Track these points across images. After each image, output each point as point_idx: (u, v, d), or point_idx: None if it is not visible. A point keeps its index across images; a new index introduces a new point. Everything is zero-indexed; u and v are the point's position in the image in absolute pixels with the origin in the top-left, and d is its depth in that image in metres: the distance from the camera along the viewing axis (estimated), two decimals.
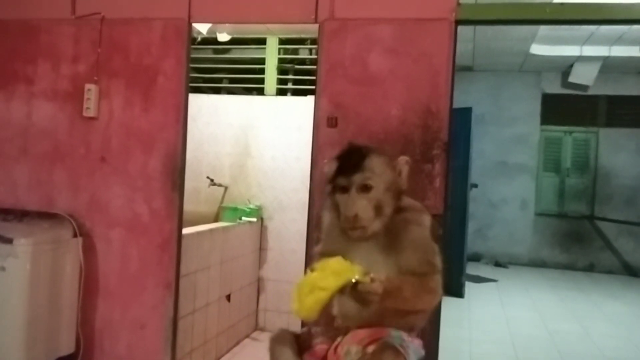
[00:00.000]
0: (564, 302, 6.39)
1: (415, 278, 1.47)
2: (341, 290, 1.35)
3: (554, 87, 8.59)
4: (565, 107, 8.62)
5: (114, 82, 2.96)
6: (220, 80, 5.20)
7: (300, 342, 1.54)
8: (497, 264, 8.50)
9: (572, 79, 8.08)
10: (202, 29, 4.35)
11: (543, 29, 6.46)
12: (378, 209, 1.46)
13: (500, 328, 5.12)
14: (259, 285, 4.78)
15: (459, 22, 2.61)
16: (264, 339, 4.47)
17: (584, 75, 7.94)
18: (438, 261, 1.53)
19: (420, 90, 2.61)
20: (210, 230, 4.00)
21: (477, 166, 7.98)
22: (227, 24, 4.45)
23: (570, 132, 8.69)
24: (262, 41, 4.92)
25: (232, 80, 5.14)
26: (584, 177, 8.66)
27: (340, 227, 1.53)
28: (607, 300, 6.62)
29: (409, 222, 1.51)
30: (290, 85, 4.94)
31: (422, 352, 1.59)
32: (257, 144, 4.82)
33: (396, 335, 1.48)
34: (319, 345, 1.49)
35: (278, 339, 1.52)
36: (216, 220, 4.60)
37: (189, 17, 2.87)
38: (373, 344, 1.44)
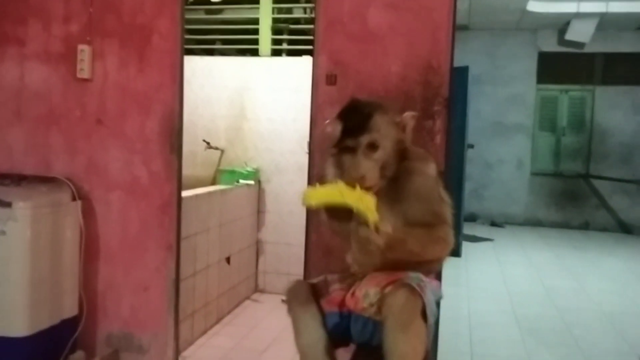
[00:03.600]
0: (559, 260, 6.47)
1: (421, 229, 1.45)
2: (348, 215, 1.37)
3: (550, 45, 8.51)
4: (562, 66, 8.56)
5: (107, 43, 2.89)
6: (213, 42, 5.11)
7: (317, 290, 1.53)
8: (494, 224, 8.57)
9: (568, 36, 8.00)
10: None
11: None
12: (383, 169, 1.44)
13: (498, 285, 5.19)
14: (257, 248, 4.80)
15: None
16: (264, 300, 4.55)
17: (580, 33, 7.86)
18: (445, 210, 1.50)
19: (420, 46, 2.56)
20: (209, 193, 3.99)
21: (474, 127, 7.94)
22: None
23: (566, 91, 8.65)
24: (255, 0, 4.82)
25: (225, 42, 5.05)
26: (579, 136, 8.66)
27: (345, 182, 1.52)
28: (602, 257, 6.71)
29: (412, 172, 1.48)
30: (285, 46, 4.86)
31: (441, 294, 1.58)
32: (253, 106, 4.77)
33: (414, 276, 1.47)
34: (336, 291, 1.48)
35: (294, 291, 1.51)
36: (213, 183, 4.58)
37: None
38: (391, 285, 1.44)
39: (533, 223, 8.71)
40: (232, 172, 4.52)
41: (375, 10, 2.57)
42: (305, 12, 4.83)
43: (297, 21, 4.84)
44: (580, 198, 8.64)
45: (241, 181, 4.51)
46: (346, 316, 1.47)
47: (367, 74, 2.59)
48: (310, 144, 2.73)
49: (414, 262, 1.48)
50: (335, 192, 1.35)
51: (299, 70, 4.63)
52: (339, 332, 1.47)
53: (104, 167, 2.93)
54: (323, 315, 1.49)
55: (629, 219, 8.44)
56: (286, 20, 4.83)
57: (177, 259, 2.93)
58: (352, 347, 1.48)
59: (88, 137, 2.94)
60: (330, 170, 1.59)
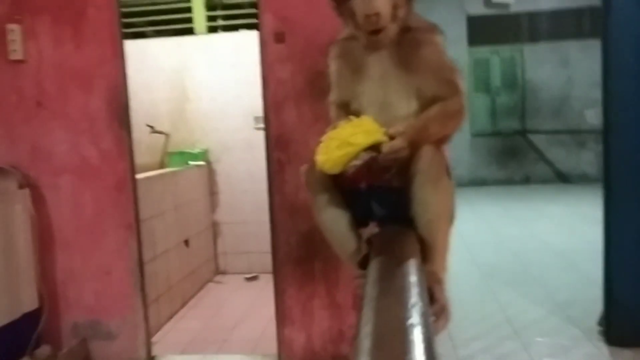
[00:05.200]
0: (507, 212, 6.71)
1: (437, 107, 1.42)
2: (368, 149, 1.32)
3: (478, 9, 8.74)
4: (490, 28, 8.81)
5: (39, 20, 2.74)
6: (144, 24, 4.94)
7: None
8: None
9: None
10: None
11: None
12: (395, 10, 1.39)
13: (455, 239, 5.31)
14: (214, 230, 4.73)
15: None
16: (227, 280, 4.50)
17: None
18: (458, 77, 1.47)
19: None
20: (161, 175, 3.90)
21: None
22: None
23: (497, 52, 8.91)
24: None
25: (158, 23, 4.90)
26: (513, 94, 8.96)
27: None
28: (546, 206, 7.00)
29: (421, 42, 1.42)
30: (220, 22, 4.76)
31: (451, 166, 1.54)
32: (194, 86, 4.67)
33: None
34: (352, 167, 1.42)
35: (311, 170, 1.42)
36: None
37: None
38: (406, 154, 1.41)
39: (478, 183, 8.97)
40: (182, 153, 4.42)
41: None
42: None
43: None
44: (519, 154, 8.97)
45: (191, 162, 4.42)
46: (366, 192, 1.43)
47: (315, 28, 2.57)
48: (264, 105, 2.69)
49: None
50: (342, 148, 1.29)
51: (237, 45, 4.56)
52: (360, 210, 1.45)
53: (50, 152, 2.80)
54: (342, 193, 1.44)
55: (565, 168, 8.83)
56: None
57: (138, 238, 2.84)
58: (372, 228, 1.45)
59: (28, 121, 2.79)
60: (332, 63, 1.53)
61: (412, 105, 1.41)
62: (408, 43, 1.41)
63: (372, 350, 0.59)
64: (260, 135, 2.88)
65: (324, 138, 1.33)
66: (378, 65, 1.42)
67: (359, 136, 1.29)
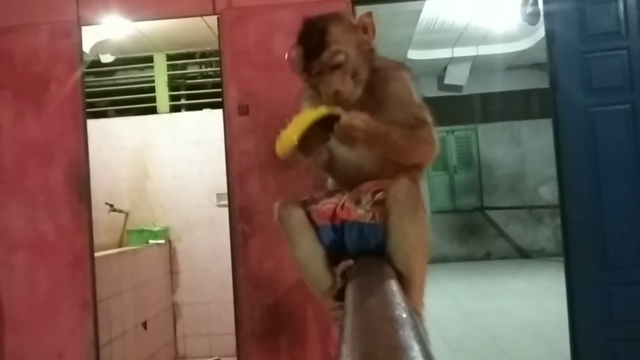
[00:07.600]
0: (471, 287, 6.71)
1: (405, 128, 1.42)
2: (322, 127, 1.31)
3: (432, 91, 9.10)
4: (445, 109, 9.15)
5: (0, 95, 2.72)
6: (107, 104, 4.97)
7: (307, 206, 1.44)
8: None
9: (447, 80, 8.62)
10: (85, 48, 4.16)
11: (417, 33, 6.85)
12: (355, 76, 1.42)
13: None
14: (174, 311, 4.55)
15: (355, 2, 2.70)
16: None
17: (457, 76, 8.50)
18: (426, 114, 1.48)
19: None
20: (119, 253, 3.78)
21: None
22: (109, 47, 4.30)
23: (452, 131, 9.23)
24: (149, 59, 4.78)
25: (121, 102, 4.93)
26: (470, 172, 9.21)
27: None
28: (508, 280, 7.04)
29: (388, 79, 1.44)
30: (183, 101, 4.83)
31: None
32: (156, 164, 4.64)
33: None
34: (326, 205, 1.41)
35: (285, 207, 1.40)
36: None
37: (78, 19, 2.72)
38: (380, 192, 1.39)
39: (440, 260, 8.99)
40: (141, 231, 4.32)
41: (279, 39, 2.64)
42: (200, 67, 4.85)
43: (193, 76, 4.84)
44: (479, 230, 9.10)
45: (151, 241, 4.32)
46: (339, 229, 1.40)
47: (278, 101, 2.62)
48: (228, 177, 2.68)
49: (401, 166, 1.43)
50: (301, 120, 1.31)
51: (200, 124, 4.60)
52: (333, 247, 1.41)
53: (3, 228, 2.70)
54: (316, 229, 1.42)
55: (525, 244, 8.97)
56: (182, 77, 4.82)
57: (94, 318, 2.71)
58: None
59: None
60: (305, 104, 1.54)
61: None
62: (377, 82, 1.46)
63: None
64: (223, 212, 2.85)
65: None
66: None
67: (312, 113, 1.31)
